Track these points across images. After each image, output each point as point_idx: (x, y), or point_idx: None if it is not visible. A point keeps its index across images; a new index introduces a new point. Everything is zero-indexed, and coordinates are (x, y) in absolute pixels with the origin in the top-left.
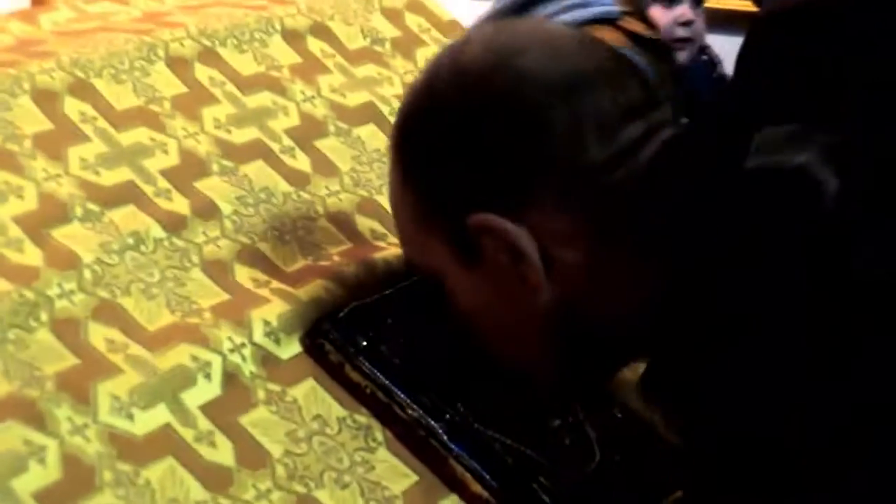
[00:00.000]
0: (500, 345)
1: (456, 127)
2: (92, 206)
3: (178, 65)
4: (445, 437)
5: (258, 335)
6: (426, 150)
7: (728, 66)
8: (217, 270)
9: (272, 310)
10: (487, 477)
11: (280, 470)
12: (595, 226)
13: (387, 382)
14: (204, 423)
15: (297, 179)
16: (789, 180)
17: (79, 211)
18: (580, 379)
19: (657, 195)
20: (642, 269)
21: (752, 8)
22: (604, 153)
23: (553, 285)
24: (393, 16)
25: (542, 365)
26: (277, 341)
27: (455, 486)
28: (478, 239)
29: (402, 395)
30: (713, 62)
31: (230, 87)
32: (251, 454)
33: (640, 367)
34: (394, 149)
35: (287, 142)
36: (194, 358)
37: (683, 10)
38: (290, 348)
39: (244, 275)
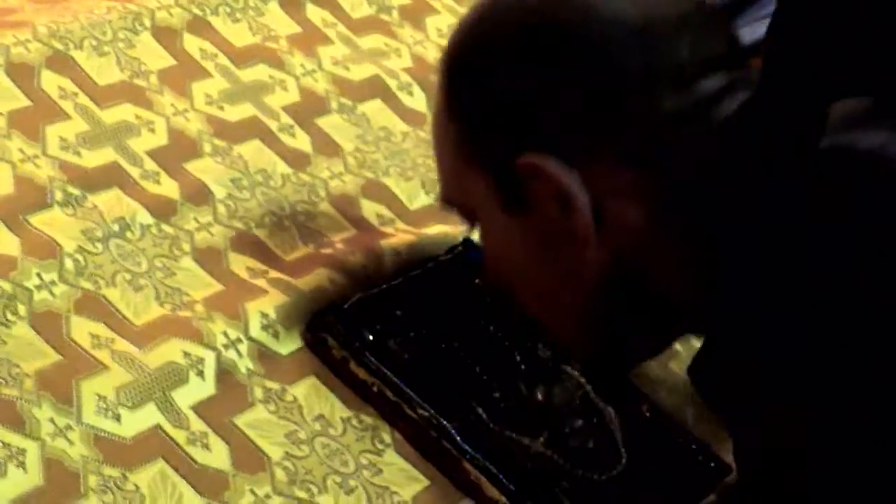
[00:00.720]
0: (535, 301)
1: (514, 57)
2: (73, 190)
3: (165, 35)
4: (459, 438)
5: (255, 329)
6: (478, 79)
7: None
8: (210, 259)
9: (270, 302)
10: (504, 480)
11: (280, 474)
12: (656, 183)
13: (395, 379)
14: (197, 424)
15: (297, 160)
16: (862, 162)
17: (59, 195)
18: (616, 349)
19: (726, 159)
20: (699, 238)
21: None
22: (678, 104)
23: (602, 243)
24: None
25: (579, 327)
26: (276, 336)
27: (469, 490)
28: (526, 183)
29: (412, 393)
30: None
31: (223, 59)
32: (248, 457)
33: (670, 365)
34: (442, 73)
35: (285, 119)
36: (186, 354)
37: None
38: (290, 343)
39: (239, 264)
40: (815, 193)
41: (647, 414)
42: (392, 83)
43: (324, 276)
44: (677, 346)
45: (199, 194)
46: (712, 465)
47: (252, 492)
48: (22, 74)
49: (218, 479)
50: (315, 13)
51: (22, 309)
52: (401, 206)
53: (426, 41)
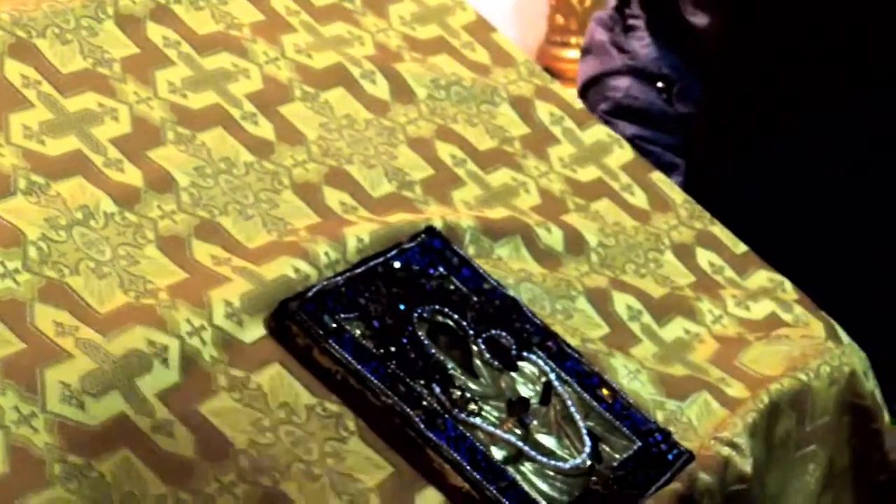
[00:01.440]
0: None
1: None
2: (36, 178)
3: (128, 23)
4: (422, 426)
5: (219, 317)
6: None
7: None
8: (173, 247)
9: (234, 289)
10: (468, 468)
11: (244, 462)
12: None
13: (359, 367)
14: (161, 412)
15: (260, 148)
16: None
17: (22, 183)
18: None
19: None
20: None
21: None
22: None
23: None
24: None
25: None
26: (240, 323)
27: (433, 478)
28: None
29: (376, 381)
30: None
31: (186, 47)
32: (213, 445)
33: (633, 352)
34: None
35: (248, 107)
36: (150, 342)
37: None
38: (254, 331)
39: (203, 252)
40: None
41: (610, 401)
42: (355, 71)
43: (287, 264)
44: (640, 334)
45: (162, 182)
46: (675, 451)
47: (217, 479)
48: None
49: (183, 466)
50: (278, 1)
51: None
52: (364, 193)
53: (389, 29)
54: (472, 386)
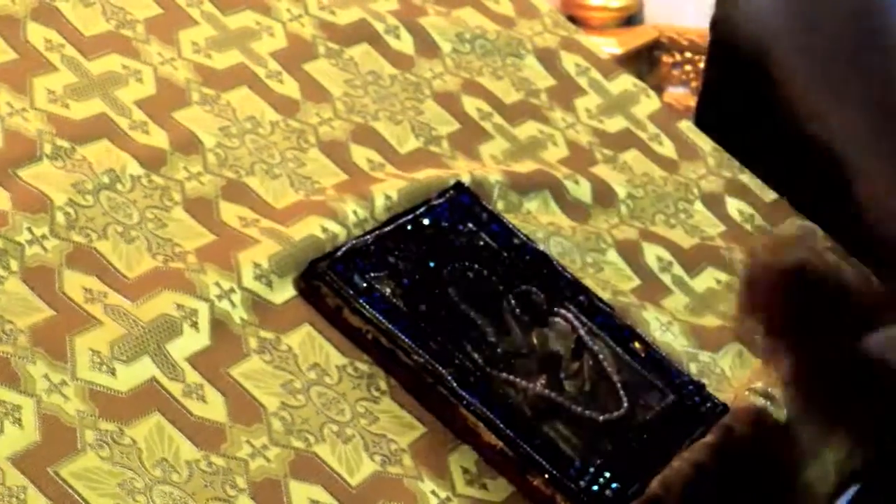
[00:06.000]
0: None
1: None
2: (62, 143)
3: None
4: (455, 384)
5: (248, 279)
6: None
7: None
8: (201, 209)
9: (262, 251)
10: (502, 425)
11: (276, 424)
12: None
13: (390, 326)
14: (192, 376)
15: (286, 107)
16: None
17: (48, 148)
18: None
19: None
20: None
21: None
22: None
23: None
24: None
25: None
26: (269, 285)
27: (466, 436)
28: None
29: (407, 340)
30: None
31: (209, 6)
32: (244, 408)
33: (664, 303)
34: None
35: (273, 66)
36: (179, 306)
37: None
38: (284, 292)
39: (230, 213)
40: None
41: (643, 355)
42: (379, 26)
43: (315, 224)
44: (671, 285)
45: (188, 144)
46: (709, 404)
47: (249, 443)
48: (7, 27)
49: (215, 430)
50: None
51: (14, 264)
52: (391, 150)
53: None
54: (504, 342)
